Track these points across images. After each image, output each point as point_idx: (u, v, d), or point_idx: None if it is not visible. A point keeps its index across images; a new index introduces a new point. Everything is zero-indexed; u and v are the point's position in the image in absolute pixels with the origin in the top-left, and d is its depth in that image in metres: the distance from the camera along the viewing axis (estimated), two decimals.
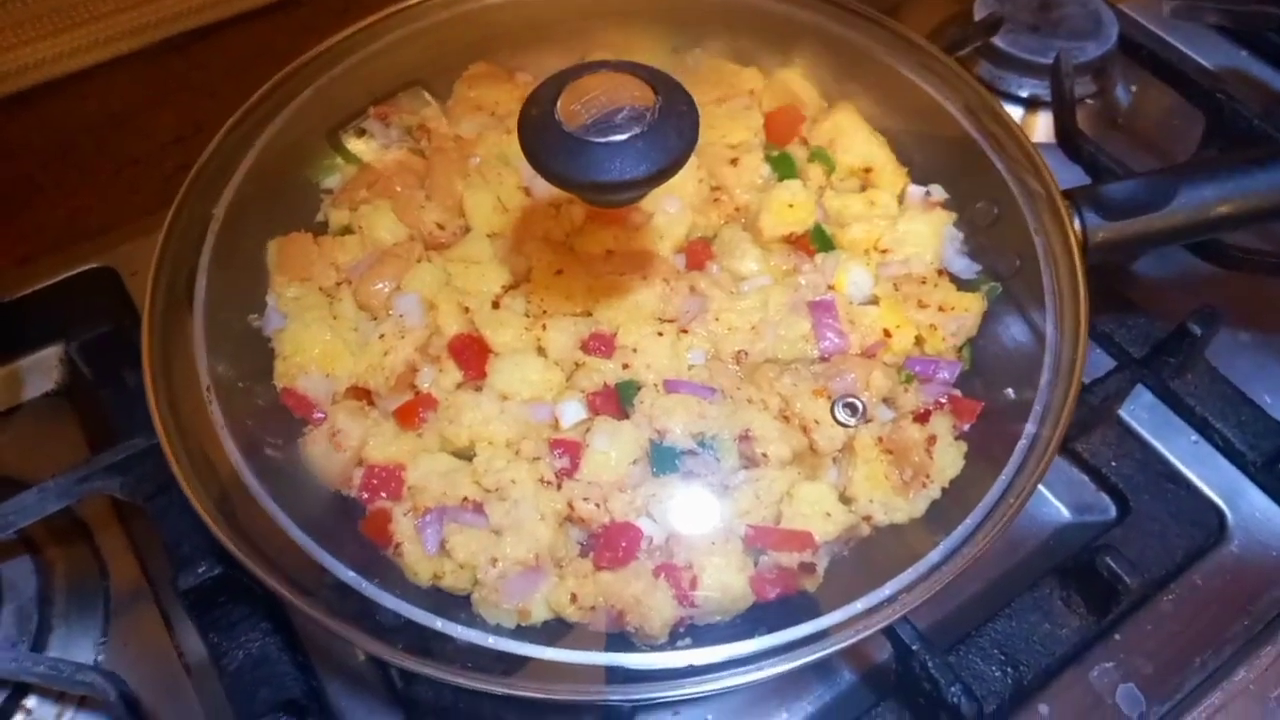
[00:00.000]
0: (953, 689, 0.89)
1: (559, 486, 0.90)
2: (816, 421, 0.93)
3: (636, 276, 1.01)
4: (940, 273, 1.04)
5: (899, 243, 1.04)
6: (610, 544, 0.87)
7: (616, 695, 0.79)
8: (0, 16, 1.33)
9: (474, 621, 0.84)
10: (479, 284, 1.02)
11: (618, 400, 0.95)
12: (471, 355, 0.97)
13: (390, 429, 0.94)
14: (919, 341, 0.99)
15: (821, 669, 1.02)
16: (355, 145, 1.15)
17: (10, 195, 1.36)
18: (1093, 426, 1.12)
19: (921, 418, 0.94)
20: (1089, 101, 1.48)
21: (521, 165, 1.07)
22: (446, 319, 0.99)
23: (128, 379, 1.12)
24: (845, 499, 0.91)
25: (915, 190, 1.09)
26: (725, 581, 0.86)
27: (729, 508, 0.89)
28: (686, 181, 1.07)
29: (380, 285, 1.01)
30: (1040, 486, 1.11)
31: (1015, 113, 1.46)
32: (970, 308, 1.01)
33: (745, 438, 0.92)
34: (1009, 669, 0.97)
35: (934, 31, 1.57)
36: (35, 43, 1.38)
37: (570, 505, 0.89)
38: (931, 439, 0.93)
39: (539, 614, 0.86)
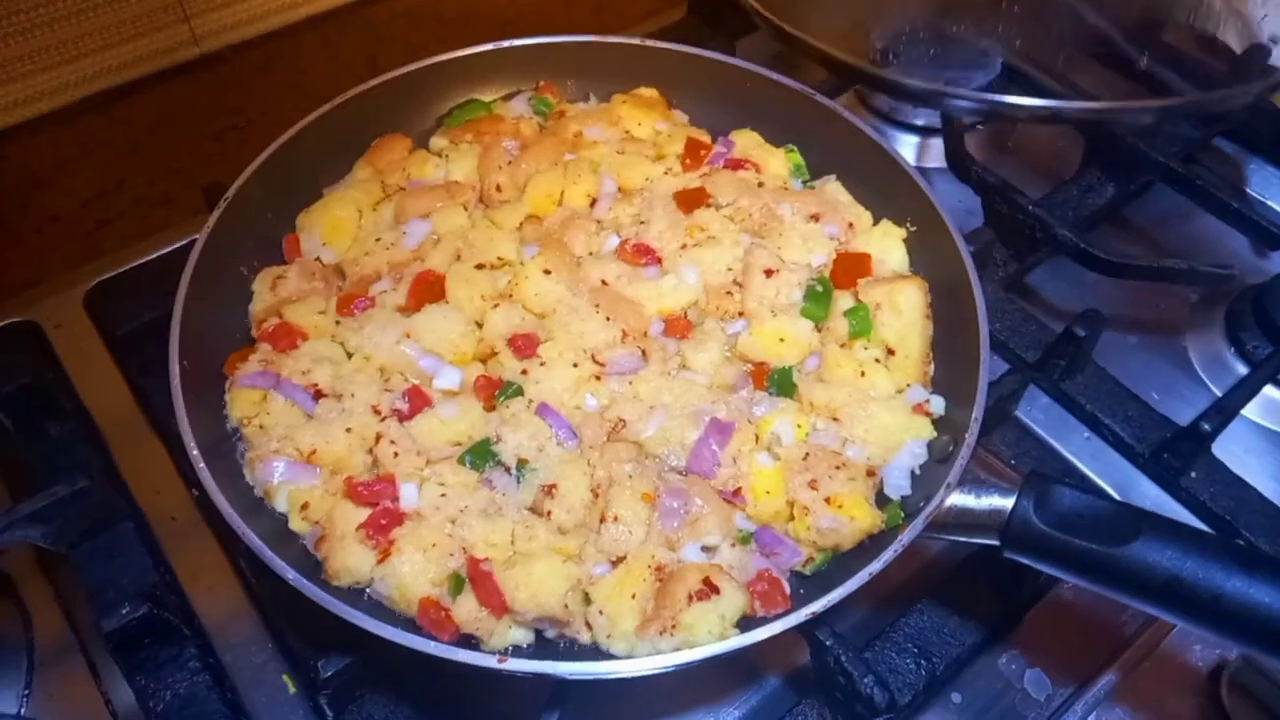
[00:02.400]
0: (865, 680, 0.92)
1: (383, 419, 0.99)
2: (616, 517, 0.93)
3: (606, 314, 1.06)
4: (870, 472, 0.99)
5: (858, 420, 1.01)
6: (372, 489, 0.94)
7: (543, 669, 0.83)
8: None
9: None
10: (485, 244, 1.12)
11: (495, 393, 1.02)
12: (424, 289, 1.07)
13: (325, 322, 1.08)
14: (791, 517, 0.97)
15: (746, 675, 1.05)
16: (498, 102, 1.30)
17: None
18: (993, 427, 1.18)
19: (709, 585, 0.89)
20: (979, 128, 1.56)
21: (604, 176, 1.20)
22: (437, 255, 1.10)
23: (50, 429, 1.13)
24: (585, 595, 0.91)
25: (917, 391, 1.06)
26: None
27: (479, 527, 0.93)
28: (719, 262, 1.12)
29: (416, 208, 1.15)
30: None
31: (911, 140, 1.55)
32: (859, 521, 0.95)
33: (550, 489, 0.96)
34: (922, 661, 1.01)
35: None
36: None
37: (378, 437, 0.97)
38: (698, 594, 0.88)
39: (280, 503, 0.95)
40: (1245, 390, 1.19)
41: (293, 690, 1.00)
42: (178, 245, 1.31)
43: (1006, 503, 0.88)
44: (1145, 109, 1.31)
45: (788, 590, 0.93)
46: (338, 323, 1.07)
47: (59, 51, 1.43)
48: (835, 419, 1.03)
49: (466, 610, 0.88)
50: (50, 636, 1.07)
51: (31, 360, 1.21)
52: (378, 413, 0.99)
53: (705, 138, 1.28)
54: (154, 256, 1.31)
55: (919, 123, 1.55)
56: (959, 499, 0.91)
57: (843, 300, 1.11)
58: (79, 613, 1.07)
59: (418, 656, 0.83)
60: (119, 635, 0.95)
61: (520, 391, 1.01)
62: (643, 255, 1.14)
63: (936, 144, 1.51)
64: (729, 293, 1.11)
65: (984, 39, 1.49)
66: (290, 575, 0.84)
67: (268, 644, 1.02)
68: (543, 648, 0.92)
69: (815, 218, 1.18)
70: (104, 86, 1.49)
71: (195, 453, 0.90)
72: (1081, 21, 1.45)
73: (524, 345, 1.04)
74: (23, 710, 1.01)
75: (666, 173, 1.23)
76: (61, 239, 1.39)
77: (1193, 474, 1.15)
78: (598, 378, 1.04)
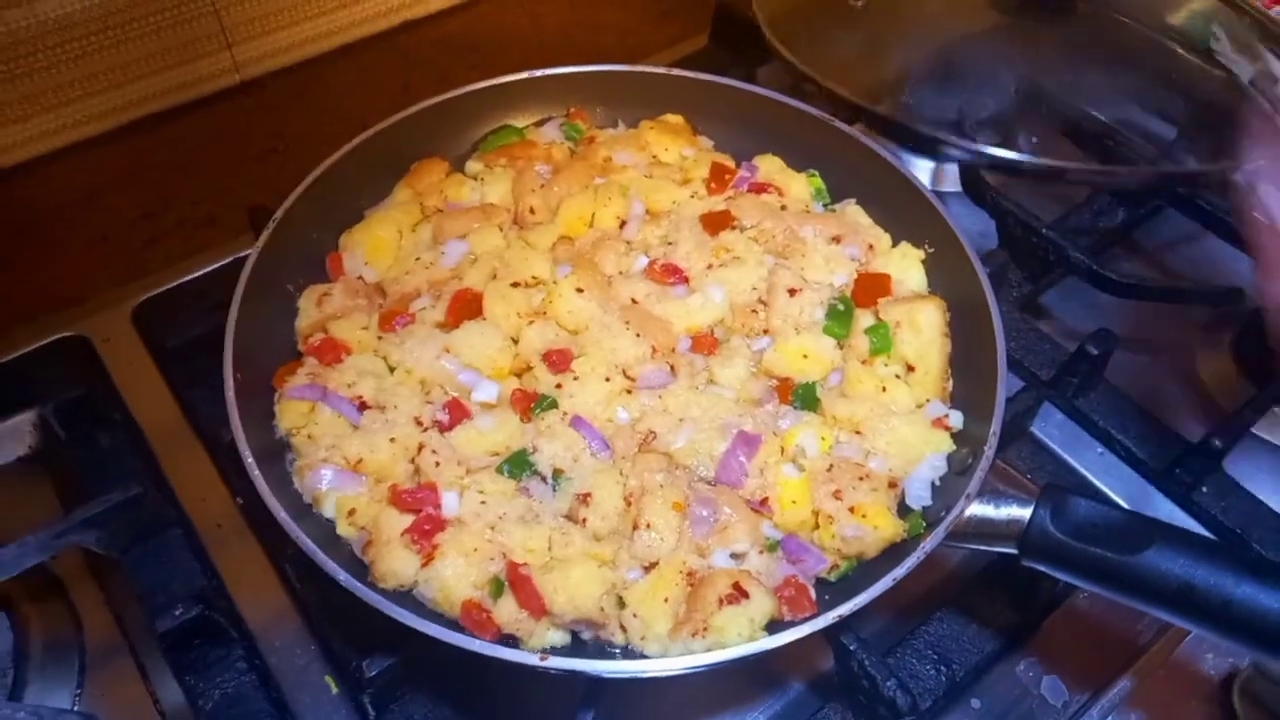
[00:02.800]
0: (888, 684, 0.95)
1: (424, 430, 1.03)
2: (648, 525, 0.97)
3: (636, 331, 1.11)
4: (891, 484, 1.03)
5: (880, 433, 1.04)
6: (415, 496, 0.98)
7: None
8: None
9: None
10: (520, 263, 1.17)
11: (531, 406, 1.06)
12: (462, 307, 1.12)
13: (368, 338, 1.13)
14: (816, 526, 1.00)
15: (771, 681, 1.08)
16: (530, 128, 1.35)
17: None
18: (1009, 442, 1.22)
19: (738, 590, 0.93)
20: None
21: (632, 199, 1.26)
22: (474, 274, 1.15)
23: (101, 439, 1.18)
24: (619, 599, 0.94)
25: (936, 406, 1.09)
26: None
27: (517, 533, 0.97)
28: (744, 282, 1.17)
29: (454, 229, 1.20)
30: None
31: (927, 165, 1.59)
32: (882, 530, 0.98)
33: (585, 498, 1.00)
34: (942, 667, 1.04)
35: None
36: (5, 127, 1.46)
37: (420, 447, 1.01)
38: (728, 598, 0.92)
39: (328, 509, 0.99)
40: (1254, 408, 1.22)
41: (335, 691, 1.04)
42: (222, 264, 1.36)
43: (1024, 513, 0.92)
44: (1153, 172, 1.40)
45: (813, 596, 0.97)
46: (380, 338, 1.11)
47: (108, 77, 1.49)
48: (858, 432, 1.06)
49: (507, 612, 0.92)
50: (100, 638, 1.10)
51: (82, 373, 1.26)
52: (419, 424, 1.04)
53: (729, 162, 1.32)
54: (199, 274, 1.36)
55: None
56: (979, 509, 0.94)
57: (864, 319, 1.15)
58: (128, 616, 1.11)
59: (458, 657, 0.87)
60: (171, 636, 0.99)
61: (555, 404, 1.06)
62: (671, 275, 1.18)
63: (952, 169, 1.55)
64: (754, 311, 1.15)
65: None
66: (342, 577, 0.88)
67: (310, 646, 1.06)
68: (578, 649, 0.95)
69: (836, 239, 1.22)
70: (150, 111, 1.56)
71: (250, 460, 0.94)
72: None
73: (558, 360, 1.09)
74: (75, 707, 1.05)
75: (693, 196, 1.28)
76: (110, 257, 1.44)
77: (1204, 489, 1.19)
78: (629, 391, 1.08)
